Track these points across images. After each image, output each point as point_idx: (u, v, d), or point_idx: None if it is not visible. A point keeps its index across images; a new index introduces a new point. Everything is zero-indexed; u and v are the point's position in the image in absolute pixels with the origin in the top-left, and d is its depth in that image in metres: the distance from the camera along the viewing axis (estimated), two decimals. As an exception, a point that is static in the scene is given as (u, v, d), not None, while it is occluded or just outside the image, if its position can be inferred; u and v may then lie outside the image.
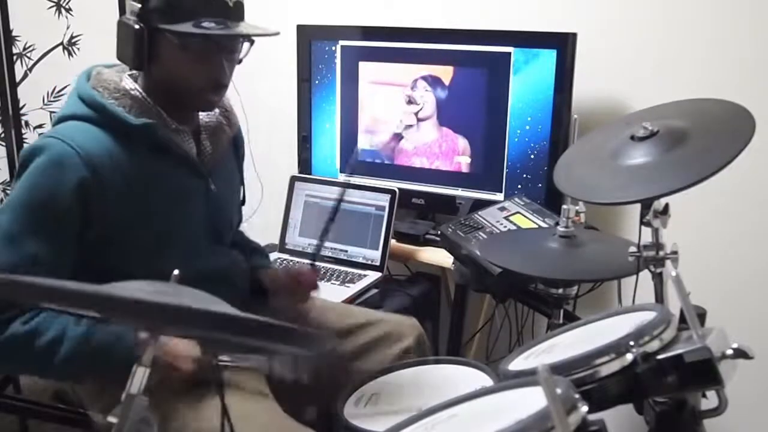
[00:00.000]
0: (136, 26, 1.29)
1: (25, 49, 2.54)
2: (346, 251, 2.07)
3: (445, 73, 2.05)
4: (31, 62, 2.58)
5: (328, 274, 2.01)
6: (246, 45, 1.37)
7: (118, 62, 1.41)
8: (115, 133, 1.30)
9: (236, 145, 1.61)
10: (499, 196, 2.02)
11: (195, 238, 1.43)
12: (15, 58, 2.48)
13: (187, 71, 1.33)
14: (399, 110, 2.13)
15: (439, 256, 1.99)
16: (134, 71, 1.39)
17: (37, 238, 1.22)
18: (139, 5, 1.29)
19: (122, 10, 2.15)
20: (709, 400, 0.99)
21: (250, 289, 1.56)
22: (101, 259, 1.30)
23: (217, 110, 1.51)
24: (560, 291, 1.59)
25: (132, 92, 1.35)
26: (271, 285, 1.53)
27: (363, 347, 1.54)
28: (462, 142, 2.07)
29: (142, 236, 1.32)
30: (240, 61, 1.41)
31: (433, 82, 2.07)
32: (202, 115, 1.48)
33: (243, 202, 1.66)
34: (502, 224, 1.78)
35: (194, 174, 1.42)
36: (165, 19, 1.28)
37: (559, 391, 0.76)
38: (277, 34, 1.35)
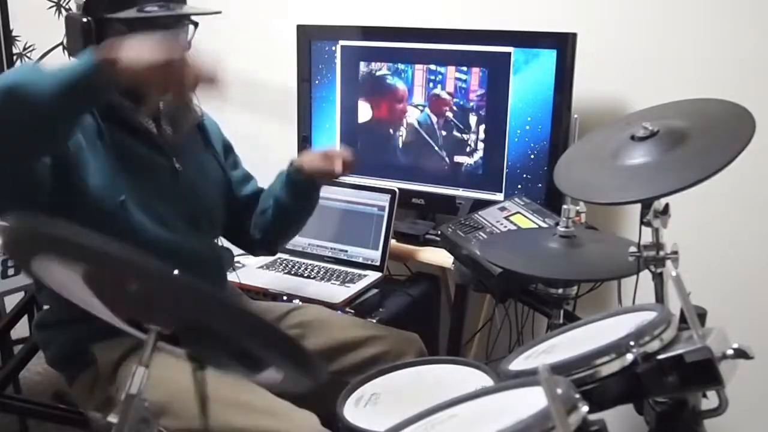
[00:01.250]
0: (83, 19, 1.34)
1: (25, 49, 2.55)
2: (346, 251, 2.07)
3: (445, 72, 2.05)
4: (31, 62, 2.58)
5: (328, 274, 2.01)
6: (191, 27, 1.42)
7: None
8: None
9: (204, 133, 1.62)
10: (499, 196, 2.02)
11: (161, 213, 1.43)
12: (15, 58, 2.49)
13: None
14: (399, 110, 2.13)
15: (439, 256, 1.99)
16: None
17: None
18: None
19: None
20: (710, 400, 0.99)
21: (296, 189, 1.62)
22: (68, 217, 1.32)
23: None
24: (560, 291, 1.59)
25: None
26: (308, 167, 1.60)
27: (364, 362, 1.54)
28: (462, 142, 2.07)
29: (99, 198, 1.34)
30: (189, 45, 1.45)
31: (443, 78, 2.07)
32: (161, 103, 1.50)
33: (238, 181, 1.69)
34: (502, 224, 1.78)
35: (157, 150, 1.45)
36: (110, 8, 1.33)
37: (559, 391, 0.76)
38: (218, 12, 1.40)
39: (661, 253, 1.18)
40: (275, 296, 1.88)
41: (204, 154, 1.61)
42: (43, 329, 1.50)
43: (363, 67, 2.16)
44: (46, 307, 1.56)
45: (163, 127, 1.49)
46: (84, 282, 0.81)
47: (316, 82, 2.24)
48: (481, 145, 2.04)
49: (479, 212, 1.85)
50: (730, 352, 0.90)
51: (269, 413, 1.27)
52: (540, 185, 1.97)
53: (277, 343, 0.75)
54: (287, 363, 0.77)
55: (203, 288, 0.73)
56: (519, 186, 2.00)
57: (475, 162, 2.06)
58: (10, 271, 1.90)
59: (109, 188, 1.35)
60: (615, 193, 1.23)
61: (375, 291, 1.95)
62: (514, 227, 1.76)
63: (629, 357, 0.91)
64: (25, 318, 2.19)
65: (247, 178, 1.75)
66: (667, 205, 1.18)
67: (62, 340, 1.46)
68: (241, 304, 0.75)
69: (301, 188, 1.63)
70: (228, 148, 1.72)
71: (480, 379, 1.27)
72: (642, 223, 1.19)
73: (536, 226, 1.75)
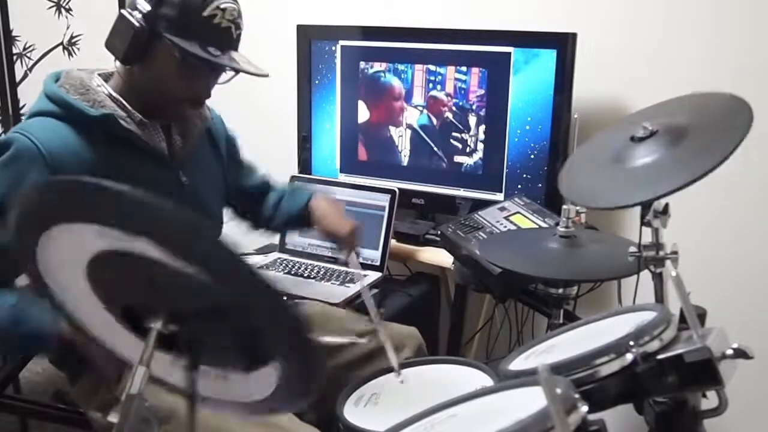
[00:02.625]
0: (138, 25, 1.31)
1: (25, 49, 2.55)
2: (346, 251, 2.07)
3: (445, 73, 2.05)
4: (31, 62, 2.59)
5: (328, 274, 2.01)
6: (231, 72, 1.42)
7: (89, 68, 1.44)
8: (78, 128, 1.33)
9: (211, 139, 1.62)
10: (499, 196, 2.03)
11: None
12: (15, 58, 2.49)
13: (176, 83, 1.37)
14: (399, 110, 2.13)
15: (439, 256, 1.99)
16: (104, 71, 1.43)
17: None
18: (149, 7, 1.31)
19: (122, 10, 2.15)
20: (709, 400, 0.99)
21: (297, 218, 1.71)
22: None
23: None
24: (560, 291, 1.59)
25: (97, 88, 1.38)
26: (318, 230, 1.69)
27: (363, 356, 1.54)
28: (462, 142, 2.07)
29: None
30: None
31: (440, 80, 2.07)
32: None
33: (243, 178, 1.75)
34: (502, 224, 1.78)
35: (162, 166, 1.44)
36: (174, 31, 1.31)
37: (559, 391, 0.76)
38: (266, 75, 1.39)
39: (661, 253, 1.18)
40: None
41: (210, 161, 1.60)
42: None
43: (363, 67, 2.16)
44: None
45: (173, 137, 1.49)
46: (87, 271, 0.81)
47: (316, 82, 2.24)
48: (481, 145, 2.04)
49: (479, 212, 1.85)
50: (729, 352, 0.90)
51: (274, 427, 1.27)
52: (540, 185, 1.97)
53: (292, 330, 0.74)
54: (294, 356, 0.77)
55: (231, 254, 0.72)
56: (519, 186, 2.00)
57: (475, 162, 2.06)
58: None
59: None
60: (615, 197, 1.22)
61: (375, 291, 1.95)
62: (514, 227, 1.76)
63: (629, 357, 0.91)
64: (25, 318, 2.19)
65: (252, 168, 1.81)
66: (667, 205, 1.18)
67: None
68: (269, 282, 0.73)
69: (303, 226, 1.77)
70: (231, 141, 1.71)
71: (480, 379, 1.27)
72: (642, 223, 1.19)
73: (536, 226, 1.75)
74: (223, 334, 0.82)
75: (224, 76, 1.42)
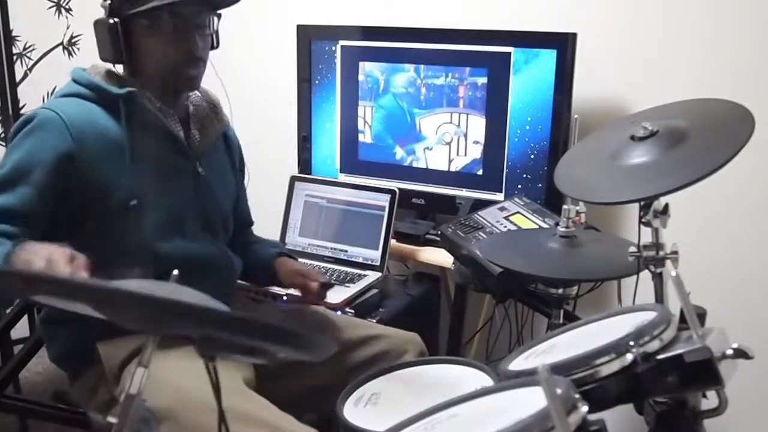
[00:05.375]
0: (110, 21, 1.38)
1: (25, 49, 2.55)
2: (346, 251, 2.07)
3: (445, 73, 2.05)
4: (31, 62, 2.59)
5: (328, 274, 2.01)
6: (214, 19, 1.45)
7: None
8: (104, 107, 1.39)
9: (227, 142, 1.66)
10: (499, 196, 2.02)
11: (181, 218, 1.47)
12: (15, 58, 2.49)
13: (162, 50, 1.40)
14: (398, 109, 2.13)
15: (439, 256, 1.99)
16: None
17: (14, 192, 1.28)
18: (108, 0, 1.38)
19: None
20: (709, 400, 0.99)
21: (267, 276, 1.68)
22: (84, 223, 1.34)
23: (205, 103, 1.58)
24: (560, 291, 1.59)
25: (120, 74, 1.45)
26: (284, 279, 1.66)
27: (364, 362, 1.54)
28: (462, 143, 2.07)
29: (121, 202, 1.36)
30: (213, 38, 1.48)
31: (437, 81, 2.07)
32: (191, 107, 1.55)
33: (240, 200, 1.71)
34: (502, 224, 1.78)
35: (181, 154, 1.48)
36: (132, 4, 1.37)
37: (559, 391, 0.76)
38: (237, 1, 1.42)
39: (661, 253, 1.18)
40: (275, 296, 1.88)
41: (225, 163, 1.64)
42: (48, 324, 1.50)
43: (363, 67, 2.16)
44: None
45: (192, 131, 1.52)
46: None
47: (316, 82, 2.24)
48: (481, 145, 2.04)
49: (479, 212, 1.85)
50: (729, 352, 0.90)
51: (273, 427, 1.27)
52: (540, 185, 1.97)
53: (278, 336, 0.74)
54: (295, 351, 0.76)
55: (195, 306, 0.71)
56: (519, 186, 2.00)
57: (475, 162, 2.06)
58: (10, 271, 1.90)
59: (124, 193, 1.36)
60: (611, 193, 1.23)
61: (375, 291, 1.95)
62: (514, 227, 1.76)
63: (629, 357, 0.91)
64: (25, 318, 2.19)
65: (246, 205, 1.79)
66: (666, 205, 1.18)
67: (67, 336, 1.46)
68: (236, 313, 0.73)
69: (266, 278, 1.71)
70: (242, 167, 1.75)
71: (480, 379, 1.27)
72: (642, 223, 1.19)
73: (536, 226, 1.75)
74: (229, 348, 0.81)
75: (213, 24, 1.46)
